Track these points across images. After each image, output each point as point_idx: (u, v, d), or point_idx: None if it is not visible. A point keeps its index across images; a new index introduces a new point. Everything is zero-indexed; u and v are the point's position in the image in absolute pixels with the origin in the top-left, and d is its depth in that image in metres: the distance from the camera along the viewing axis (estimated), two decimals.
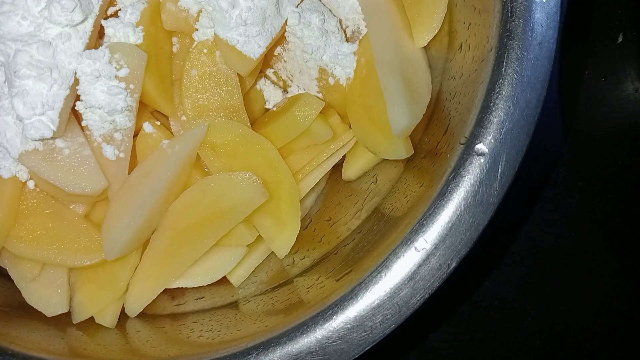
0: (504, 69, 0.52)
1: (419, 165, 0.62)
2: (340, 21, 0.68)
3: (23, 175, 0.61)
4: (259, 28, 0.60)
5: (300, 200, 0.66)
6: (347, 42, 0.67)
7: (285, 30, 0.65)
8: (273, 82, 0.72)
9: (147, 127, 0.63)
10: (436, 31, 0.64)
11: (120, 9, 0.62)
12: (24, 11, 0.57)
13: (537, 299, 0.84)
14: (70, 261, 0.61)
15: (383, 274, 0.52)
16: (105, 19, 0.61)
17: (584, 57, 0.87)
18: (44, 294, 0.63)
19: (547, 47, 0.52)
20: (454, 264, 0.51)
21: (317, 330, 0.52)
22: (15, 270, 0.63)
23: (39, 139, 0.57)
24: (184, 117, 0.65)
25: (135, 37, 0.61)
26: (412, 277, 0.51)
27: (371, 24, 0.65)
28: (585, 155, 0.86)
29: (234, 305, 0.65)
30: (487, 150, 0.51)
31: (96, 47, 0.61)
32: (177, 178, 0.61)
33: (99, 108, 0.59)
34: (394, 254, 0.52)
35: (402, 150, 0.63)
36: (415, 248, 0.52)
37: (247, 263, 0.68)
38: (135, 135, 0.63)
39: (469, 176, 0.52)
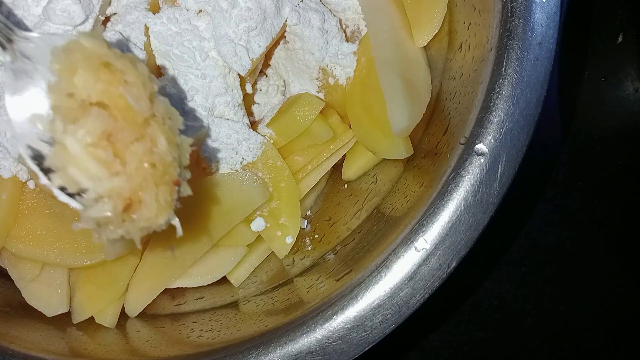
0: (504, 69, 0.52)
1: (419, 165, 0.62)
2: (340, 21, 0.68)
3: (23, 175, 0.61)
4: (259, 28, 0.60)
5: (300, 200, 0.66)
6: (347, 42, 0.67)
7: (285, 30, 0.65)
8: (273, 82, 0.72)
9: None
10: (436, 31, 0.64)
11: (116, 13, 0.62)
12: (24, 11, 0.57)
13: (537, 299, 0.84)
14: (70, 261, 0.61)
15: (383, 274, 0.52)
16: (106, 19, 0.61)
17: (584, 57, 0.87)
18: (44, 294, 0.63)
19: (547, 47, 0.52)
20: (454, 264, 0.51)
21: (317, 330, 0.52)
22: (15, 270, 0.63)
23: None
24: None
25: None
26: (412, 277, 0.51)
27: (371, 24, 0.64)
28: (585, 155, 0.86)
29: (234, 305, 0.65)
30: (487, 150, 0.51)
31: None
32: None
33: None
34: (394, 254, 0.52)
35: (402, 150, 0.63)
36: (415, 248, 0.52)
37: (247, 263, 0.68)
38: None
39: (469, 176, 0.52)
